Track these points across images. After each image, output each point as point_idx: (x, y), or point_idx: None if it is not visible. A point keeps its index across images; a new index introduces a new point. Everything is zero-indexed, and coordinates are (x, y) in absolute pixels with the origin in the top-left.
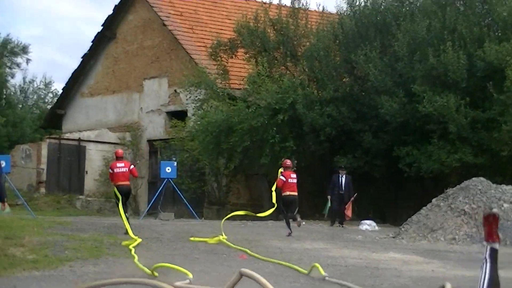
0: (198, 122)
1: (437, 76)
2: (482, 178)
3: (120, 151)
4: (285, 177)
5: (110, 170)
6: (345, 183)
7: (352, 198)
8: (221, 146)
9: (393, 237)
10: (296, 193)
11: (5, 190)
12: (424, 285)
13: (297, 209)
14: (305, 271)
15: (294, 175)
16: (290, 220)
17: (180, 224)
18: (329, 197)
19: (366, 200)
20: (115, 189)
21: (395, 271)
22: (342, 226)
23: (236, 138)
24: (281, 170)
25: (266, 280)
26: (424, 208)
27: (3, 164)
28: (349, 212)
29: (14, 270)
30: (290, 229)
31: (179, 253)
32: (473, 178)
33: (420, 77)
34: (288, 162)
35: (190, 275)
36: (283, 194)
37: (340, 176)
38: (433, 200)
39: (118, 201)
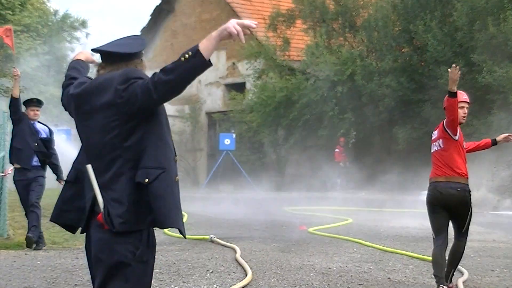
0: (257, 95)
1: (497, 46)
2: None
3: None
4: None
5: None
6: None
7: None
8: (281, 121)
9: None
10: None
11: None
12: (485, 255)
13: None
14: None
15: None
16: None
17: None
18: None
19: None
20: None
21: None
22: None
23: (296, 113)
24: None
25: None
26: (486, 177)
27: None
28: None
29: None
30: None
31: (240, 224)
32: None
33: (479, 47)
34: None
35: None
36: None
37: None
38: (494, 169)
39: None
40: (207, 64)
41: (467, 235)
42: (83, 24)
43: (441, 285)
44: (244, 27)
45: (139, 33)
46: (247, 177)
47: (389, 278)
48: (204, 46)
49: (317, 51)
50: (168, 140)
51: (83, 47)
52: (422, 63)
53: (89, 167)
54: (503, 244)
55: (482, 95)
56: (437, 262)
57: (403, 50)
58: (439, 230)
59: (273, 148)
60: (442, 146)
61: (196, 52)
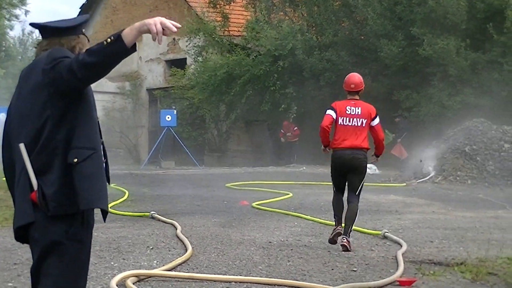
0: (198, 70)
1: (436, 19)
2: (482, 119)
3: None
4: None
5: None
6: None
7: (399, 140)
8: (223, 97)
9: (395, 180)
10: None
11: None
12: (424, 226)
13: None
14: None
15: None
16: None
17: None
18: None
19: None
20: None
21: (396, 214)
22: None
23: (237, 88)
24: None
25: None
26: (424, 150)
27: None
28: (396, 152)
29: None
30: None
31: (182, 201)
32: (474, 119)
33: (419, 20)
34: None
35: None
36: None
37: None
38: (434, 142)
39: None
40: (128, 50)
41: (358, 198)
42: (22, 1)
43: (339, 226)
44: (166, 27)
45: (78, 10)
46: (189, 153)
47: (329, 251)
48: (126, 33)
49: (257, 26)
50: (96, 120)
51: (22, 25)
52: (362, 37)
53: (21, 146)
54: (442, 215)
55: (422, 68)
56: (337, 206)
57: (343, 24)
58: (339, 187)
59: (214, 124)
60: (363, 125)
61: (118, 37)
